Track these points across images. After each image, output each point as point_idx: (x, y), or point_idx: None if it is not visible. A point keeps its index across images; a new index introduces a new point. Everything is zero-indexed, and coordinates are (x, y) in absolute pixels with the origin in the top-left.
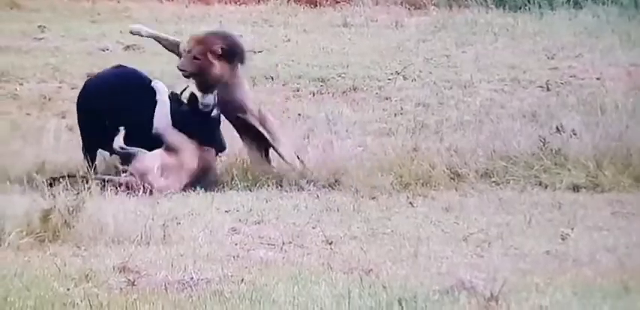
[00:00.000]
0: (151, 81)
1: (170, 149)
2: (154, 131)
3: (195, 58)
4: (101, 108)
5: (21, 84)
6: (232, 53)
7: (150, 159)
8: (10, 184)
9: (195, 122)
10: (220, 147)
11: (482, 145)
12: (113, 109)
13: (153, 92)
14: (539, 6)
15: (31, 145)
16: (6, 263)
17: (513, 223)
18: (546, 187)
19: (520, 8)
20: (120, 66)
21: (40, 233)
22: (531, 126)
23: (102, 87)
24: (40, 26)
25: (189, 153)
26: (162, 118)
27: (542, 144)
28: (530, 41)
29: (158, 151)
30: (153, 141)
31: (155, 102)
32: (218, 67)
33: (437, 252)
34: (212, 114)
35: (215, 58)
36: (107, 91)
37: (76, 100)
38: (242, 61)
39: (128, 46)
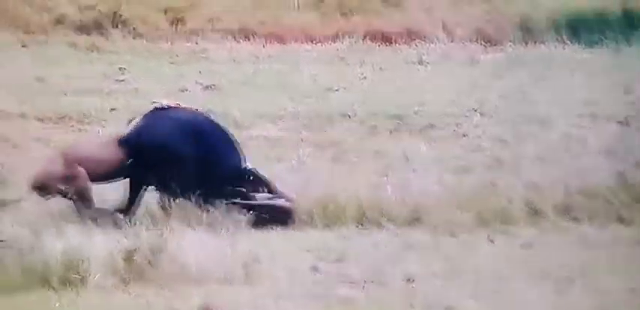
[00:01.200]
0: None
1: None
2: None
3: None
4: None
5: (103, 126)
6: None
7: None
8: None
9: None
10: None
11: (560, 181)
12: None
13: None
14: (616, 41)
15: (114, 186)
16: (91, 304)
17: (594, 260)
18: (627, 223)
19: (596, 43)
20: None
21: (124, 274)
22: (610, 161)
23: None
24: (120, 68)
25: None
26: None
27: (621, 179)
28: (606, 76)
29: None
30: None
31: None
32: None
33: (517, 289)
34: None
35: None
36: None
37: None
38: None
39: (207, 87)
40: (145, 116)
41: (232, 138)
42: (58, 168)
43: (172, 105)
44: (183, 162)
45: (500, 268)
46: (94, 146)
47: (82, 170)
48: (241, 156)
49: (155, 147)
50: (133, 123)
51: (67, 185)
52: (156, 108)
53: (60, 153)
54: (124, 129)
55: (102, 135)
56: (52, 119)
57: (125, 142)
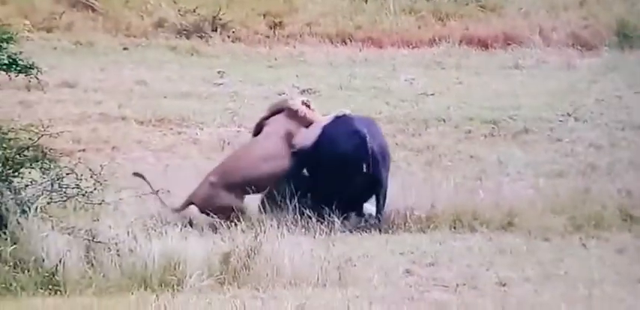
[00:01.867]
0: None
1: None
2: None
3: None
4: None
5: (201, 129)
6: None
7: None
8: (192, 227)
9: None
10: None
11: None
12: None
13: None
14: None
15: None
16: (188, 305)
17: None
18: None
19: None
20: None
21: (220, 276)
22: None
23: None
24: (219, 72)
25: None
26: None
27: None
28: None
29: None
30: None
31: None
32: None
33: (611, 294)
34: None
35: None
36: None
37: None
38: None
39: (304, 90)
40: (326, 126)
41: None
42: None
43: (350, 114)
44: (355, 178)
45: (592, 273)
46: (255, 159)
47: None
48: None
49: (335, 162)
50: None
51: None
52: (337, 117)
53: (220, 171)
54: (301, 141)
55: (263, 146)
56: (151, 122)
57: (303, 154)
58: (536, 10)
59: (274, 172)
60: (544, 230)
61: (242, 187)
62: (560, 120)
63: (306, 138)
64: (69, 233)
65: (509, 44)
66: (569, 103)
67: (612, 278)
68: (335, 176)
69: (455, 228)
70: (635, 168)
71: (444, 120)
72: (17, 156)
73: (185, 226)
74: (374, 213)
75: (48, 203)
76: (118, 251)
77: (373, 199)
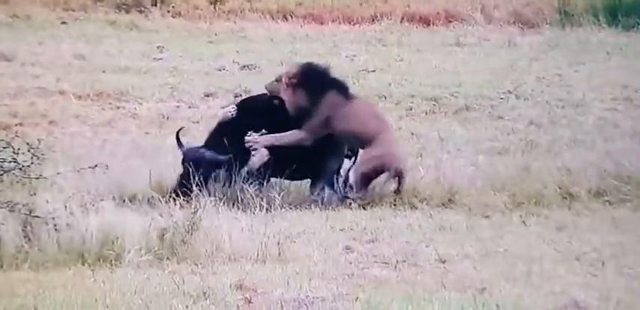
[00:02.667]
0: None
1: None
2: None
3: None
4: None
5: (140, 103)
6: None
7: None
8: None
9: None
10: None
11: (594, 164)
12: None
13: None
14: None
15: (149, 163)
16: (126, 280)
17: (627, 243)
18: None
19: (633, 27)
20: None
21: (159, 251)
22: None
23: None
24: (158, 47)
25: None
26: None
27: None
28: None
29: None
30: None
31: None
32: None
33: (550, 271)
34: None
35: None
36: None
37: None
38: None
39: (245, 66)
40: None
41: None
42: None
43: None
44: None
45: (532, 250)
46: None
47: None
48: None
49: None
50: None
51: None
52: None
53: None
54: None
55: None
56: (90, 96)
57: None
58: None
59: None
60: (484, 207)
61: None
62: (501, 98)
63: None
64: (5, 208)
65: (450, 21)
66: (510, 81)
67: (551, 255)
68: None
69: (395, 205)
70: (575, 146)
71: (385, 97)
72: None
73: (124, 201)
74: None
75: None
76: (55, 225)
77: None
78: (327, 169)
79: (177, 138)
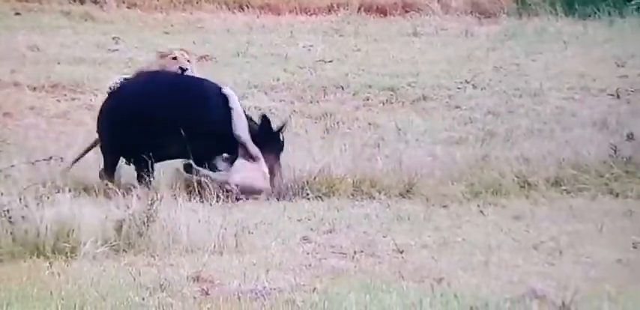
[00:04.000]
0: (221, 88)
1: (251, 157)
2: (238, 139)
3: None
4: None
5: (96, 95)
6: None
7: (250, 168)
8: (86, 194)
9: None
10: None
11: (552, 153)
12: (173, 115)
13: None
14: (609, 14)
15: None
16: (82, 272)
17: (584, 231)
18: (617, 195)
19: (589, 16)
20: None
21: (115, 243)
22: (602, 134)
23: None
24: (114, 38)
25: (263, 161)
26: (243, 128)
27: (613, 152)
28: (600, 49)
29: (242, 161)
30: (217, 149)
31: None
32: None
33: (508, 261)
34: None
35: None
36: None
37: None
38: None
39: (201, 57)
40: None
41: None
42: None
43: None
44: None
45: (490, 239)
46: None
47: None
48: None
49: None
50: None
51: None
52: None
53: None
54: None
55: None
56: (45, 88)
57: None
58: None
59: None
60: (442, 197)
61: None
62: (459, 88)
63: None
64: None
65: (407, 11)
66: (467, 71)
67: (509, 244)
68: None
69: (353, 195)
70: (533, 135)
71: (342, 88)
72: None
73: (79, 193)
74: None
75: None
76: (10, 218)
77: None
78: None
79: None
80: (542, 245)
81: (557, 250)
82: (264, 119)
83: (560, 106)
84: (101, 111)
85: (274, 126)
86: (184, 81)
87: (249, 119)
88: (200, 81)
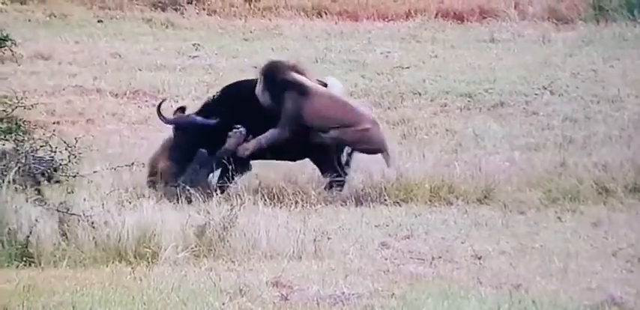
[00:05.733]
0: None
1: None
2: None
3: None
4: None
5: (176, 101)
6: None
7: None
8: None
9: None
10: None
11: (630, 160)
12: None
13: None
14: None
15: None
16: (163, 277)
17: None
18: None
19: None
20: None
21: (196, 248)
22: None
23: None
24: (194, 44)
25: None
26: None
27: None
28: None
29: None
30: None
31: None
32: None
33: (586, 267)
34: None
35: None
36: None
37: None
38: None
39: None
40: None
41: None
42: None
43: None
44: None
45: (568, 246)
46: None
47: None
48: None
49: None
50: None
51: None
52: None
53: None
54: None
55: None
56: (126, 94)
57: None
58: None
59: None
60: (520, 203)
61: None
62: (536, 94)
63: None
64: (43, 206)
65: (484, 17)
66: (544, 77)
67: (587, 251)
68: None
69: (431, 201)
70: (611, 142)
71: (420, 94)
72: None
73: (160, 198)
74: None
75: (22, 175)
76: (92, 223)
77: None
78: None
79: (159, 112)
80: (620, 252)
81: (635, 257)
82: None
83: (638, 112)
84: None
85: None
86: None
87: None
88: None
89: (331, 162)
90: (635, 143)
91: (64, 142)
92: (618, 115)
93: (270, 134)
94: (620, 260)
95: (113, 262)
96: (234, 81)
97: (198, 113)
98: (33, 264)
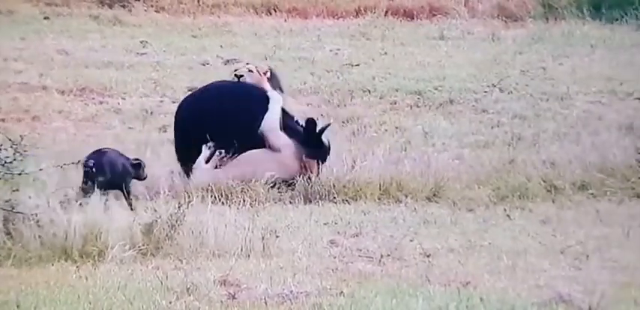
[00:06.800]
0: (266, 91)
1: (273, 149)
2: (259, 131)
3: None
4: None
5: (124, 98)
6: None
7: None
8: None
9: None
10: (323, 159)
11: (579, 157)
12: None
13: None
14: (637, 17)
15: None
16: (109, 276)
17: (611, 235)
18: None
19: (617, 20)
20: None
21: (143, 247)
22: (628, 138)
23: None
24: (142, 41)
25: (289, 154)
26: (270, 121)
27: (639, 155)
28: (627, 53)
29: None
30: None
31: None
32: None
33: (534, 265)
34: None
35: None
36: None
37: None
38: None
39: (228, 60)
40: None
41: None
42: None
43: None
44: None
45: (516, 243)
46: None
47: None
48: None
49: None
50: None
51: None
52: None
53: None
54: None
55: None
56: (73, 91)
57: None
58: None
59: None
60: (469, 201)
61: None
62: (485, 91)
63: None
64: None
65: (434, 15)
66: (494, 74)
67: (536, 248)
68: None
69: (380, 198)
70: (560, 139)
71: (369, 91)
72: None
73: (107, 196)
74: None
75: None
76: (38, 221)
77: None
78: None
79: None
80: (568, 250)
81: (583, 254)
82: (310, 121)
83: (586, 110)
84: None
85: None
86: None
87: (296, 122)
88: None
89: None
90: (583, 140)
91: (9, 140)
92: (567, 113)
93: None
94: (568, 258)
95: (59, 261)
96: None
97: None
98: None
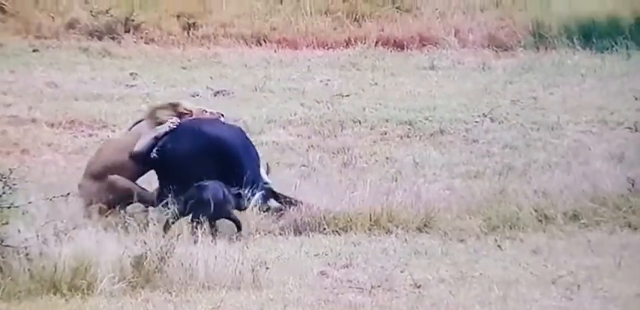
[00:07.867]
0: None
1: None
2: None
3: None
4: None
5: (113, 131)
6: None
7: None
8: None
9: None
10: None
11: (570, 187)
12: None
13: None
14: (627, 47)
15: None
16: (98, 309)
17: (603, 265)
18: (635, 229)
19: (607, 49)
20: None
21: (133, 279)
22: (619, 167)
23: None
24: (131, 73)
25: None
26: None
27: (630, 185)
28: (617, 82)
29: None
30: None
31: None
32: None
33: (526, 295)
34: None
35: None
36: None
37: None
38: None
39: (218, 92)
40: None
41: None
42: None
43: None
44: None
45: (507, 273)
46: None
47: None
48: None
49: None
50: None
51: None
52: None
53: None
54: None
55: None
56: (62, 124)
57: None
58: (452, 11)
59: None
60: (459, 231)
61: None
62: (476, 121)
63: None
64: None
65: (424, 45)
66: (484, 104)
67: (527, 278)
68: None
69: (370, 229)
70: (551, 169)
71: (360, 122)
72: None
73: (97, 229)
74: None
75: None
76: (27, 254)
77: None
78: None
79: None
80: (560, 280)
81: (575, 284)
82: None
83: (577, 140)
84: None
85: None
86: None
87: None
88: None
89: None
90: (574, 170)
91: None
92: (558, 142)
93: None
94: (559, 288)
95: (47, 294)
96: None
97: None
98: None
